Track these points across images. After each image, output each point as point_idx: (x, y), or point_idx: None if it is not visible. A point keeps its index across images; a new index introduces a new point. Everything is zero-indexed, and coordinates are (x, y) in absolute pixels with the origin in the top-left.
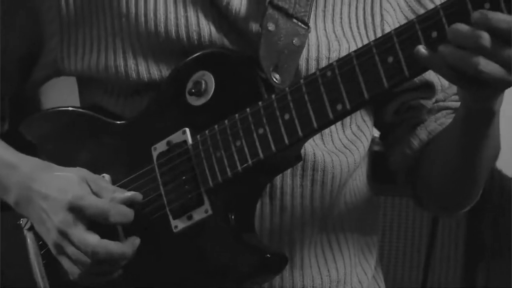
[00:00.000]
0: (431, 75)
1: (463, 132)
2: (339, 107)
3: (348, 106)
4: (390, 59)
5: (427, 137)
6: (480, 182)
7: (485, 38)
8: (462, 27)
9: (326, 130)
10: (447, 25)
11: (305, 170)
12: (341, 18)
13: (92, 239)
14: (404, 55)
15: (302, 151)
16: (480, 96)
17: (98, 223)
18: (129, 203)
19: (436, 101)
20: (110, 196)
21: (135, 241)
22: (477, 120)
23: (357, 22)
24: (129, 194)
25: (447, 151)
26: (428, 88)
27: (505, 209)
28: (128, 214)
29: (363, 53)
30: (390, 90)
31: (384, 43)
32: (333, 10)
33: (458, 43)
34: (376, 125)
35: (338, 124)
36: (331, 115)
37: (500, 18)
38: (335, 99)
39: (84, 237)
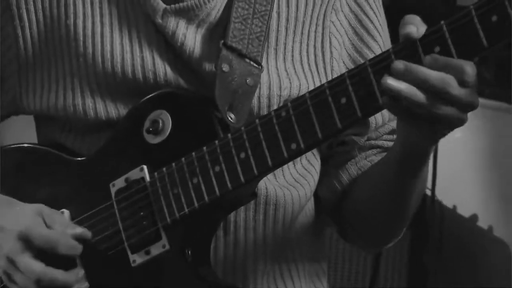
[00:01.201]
0: None
1: (397, 170)
2: (294, 146)
3: (302, 146)
4: (343, 100)
5: (356, 173)
6: (406, 221)
7: (454, 86)
8: (421, 68)
9: None
10: None
11: (258, 205)
12: (292, 56)
13: (37, 266)
14: (356, 96)
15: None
16: (428, 131)
17: (51, 255)
18: (79, 238)
19: (368, 139)
20: (61, 230)
21: (80, 272)
22: (412, 159)
23: (308, 59)
24: (79, 230)
25: (377, 188)
26: (363, 126)
27: (446, 238)
28: (76, 247)
29: (317, 94)
30: (343, 130)
31: (337, 85)
32: (285, 48)
33: (416, 82)
34: None
35: None
36: (285, 154)
37: (453, 62)
38: (289, 138)
39: (30, 264)
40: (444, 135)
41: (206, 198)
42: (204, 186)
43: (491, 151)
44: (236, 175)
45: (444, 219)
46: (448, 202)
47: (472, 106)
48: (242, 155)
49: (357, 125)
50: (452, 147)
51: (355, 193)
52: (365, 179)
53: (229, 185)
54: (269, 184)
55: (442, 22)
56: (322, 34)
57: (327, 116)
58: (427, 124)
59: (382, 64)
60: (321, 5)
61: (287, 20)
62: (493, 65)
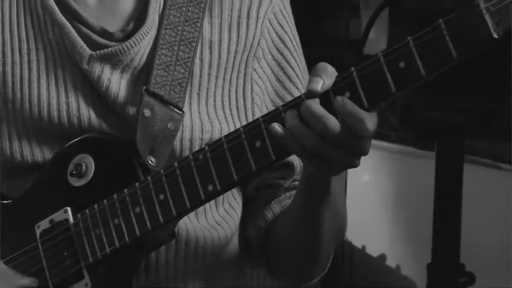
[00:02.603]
0: (292, 157)
1: (303, 202)
2: (210, 188)
3: (218, 187)
4: (258, 144)
5: (279, 211)
6: (325, 255)
7: (332, 123)
8: (316, 106)
9: (200, 207)
10: None
11: (179, 244)
12: (214, 100)
13: None
14: (270, 140)
15: (176, 226)
16: (322, 170)
17: None
18: None
19: (293, 180)
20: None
21: None
22: (314, 189)
23: (229, 104)
24: (26, 281)
25: (292, 223)
26: (289, 170)
27: (356, 277)
28: None
29: (233, 138)
30: (258, 172)
31: (252, 129)
32: (207, 93)
33: (307, 120)
34: None
35: (212, 202)
36: (202, 196)
37: (354, 110)
38: (206, 180)
39: None
40: (339, 172)
41: (127, 238)
42: (125, 226)
43: (398, 194)
44: (156, 216)
45: (353, 259)
46: (357, 242)
47: (363, 153)
48: (161, 196)
49: (284, 169)
50: (360, 190)
51: (277, 230)
52: (284, 216)
53: (148, 225)
54: (190, 226)
55: (353, 68)
56: (244, 80)
57: (242, 159)
58: (322, 164)
59: (295, 109)
60: (243, 52)
61: (210, 66)
62: (399, 111)
